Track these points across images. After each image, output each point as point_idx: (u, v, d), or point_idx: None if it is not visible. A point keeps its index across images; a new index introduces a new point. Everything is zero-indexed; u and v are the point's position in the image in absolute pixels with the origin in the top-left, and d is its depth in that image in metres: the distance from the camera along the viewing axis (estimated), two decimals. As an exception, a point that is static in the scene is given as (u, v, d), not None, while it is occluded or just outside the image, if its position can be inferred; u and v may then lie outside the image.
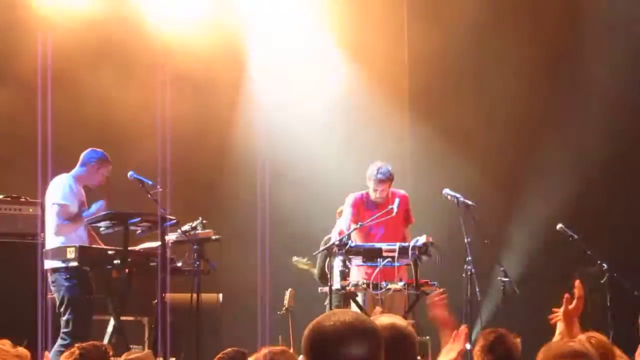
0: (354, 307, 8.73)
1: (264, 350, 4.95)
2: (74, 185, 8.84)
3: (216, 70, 12.21)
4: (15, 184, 9.43)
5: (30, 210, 9.33)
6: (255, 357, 5.02)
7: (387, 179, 9.32)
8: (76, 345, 5.79)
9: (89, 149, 9.05)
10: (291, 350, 7.62)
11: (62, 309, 8.47)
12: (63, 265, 8.50)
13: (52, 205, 8.79)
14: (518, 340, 5.20)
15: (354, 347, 2.95)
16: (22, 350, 4.66)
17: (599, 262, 10.64)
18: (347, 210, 9.46)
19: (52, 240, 8.73)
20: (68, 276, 8.48)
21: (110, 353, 5.93)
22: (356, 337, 2.96)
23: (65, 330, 8.42)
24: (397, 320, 3.78)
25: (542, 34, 12.19)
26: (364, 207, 9.43)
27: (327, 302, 9.07)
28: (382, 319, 3.71)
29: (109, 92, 11.59)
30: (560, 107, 12.30)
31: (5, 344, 4.72)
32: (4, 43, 11.35)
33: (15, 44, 11.28)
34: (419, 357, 3.09)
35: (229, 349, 5.65)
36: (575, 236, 10.29)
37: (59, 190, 8.79)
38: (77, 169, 9.00)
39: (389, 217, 9.09)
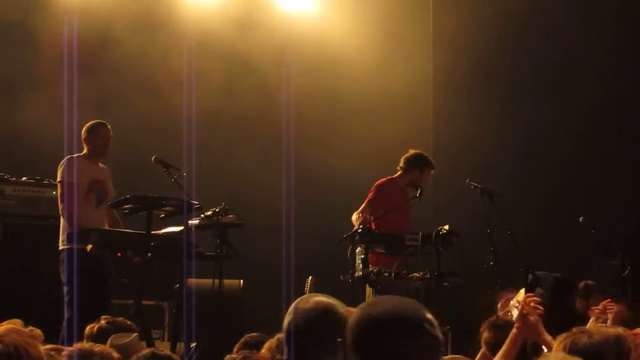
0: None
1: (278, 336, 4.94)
2: (77, 162, 8.68)
3: (247, 51, 12.15)
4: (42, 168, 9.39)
5: (54, 192, 9.28)
6: (269, 343, 5.02)
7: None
8: (102, 317, 5.86)
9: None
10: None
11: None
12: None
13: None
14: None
15: (396, 338, 2.74)
16: (35, 330, 4.67)
17: (620, 255, 10.60)
18: (374, 196, 9.50)
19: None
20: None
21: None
22: (397, 328, 2.75)
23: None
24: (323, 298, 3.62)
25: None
26: (391, 192, 9.48)
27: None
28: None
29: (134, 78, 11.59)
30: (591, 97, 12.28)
31: (17, 324, 4.73)
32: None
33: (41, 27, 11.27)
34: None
35: (254, 334, 5.64)
36: (596, 229, 10.28)
37: (59, 170, 8.72)
38: (84, 148, 8.93)
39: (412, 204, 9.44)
